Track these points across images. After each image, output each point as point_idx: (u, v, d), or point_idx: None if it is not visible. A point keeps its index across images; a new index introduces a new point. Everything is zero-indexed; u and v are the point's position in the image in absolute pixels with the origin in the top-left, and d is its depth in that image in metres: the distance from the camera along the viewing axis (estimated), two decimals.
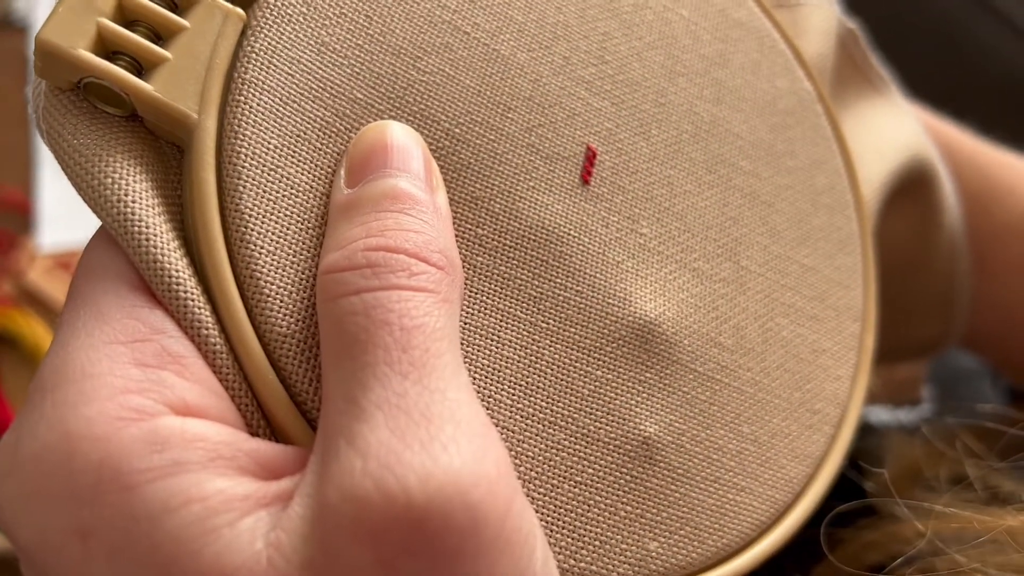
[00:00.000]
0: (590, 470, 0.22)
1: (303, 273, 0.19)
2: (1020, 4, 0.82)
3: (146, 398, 0.17)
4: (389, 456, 0.16)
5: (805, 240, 0.27)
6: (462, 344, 0.21)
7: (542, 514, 0.21)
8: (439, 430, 0.16)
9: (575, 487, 0.21)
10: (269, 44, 0.20)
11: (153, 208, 0.19)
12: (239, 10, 0.20)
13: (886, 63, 0.35)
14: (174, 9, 0.20)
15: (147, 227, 0.18)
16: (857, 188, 0.29)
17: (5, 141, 0.56)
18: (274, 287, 0.19)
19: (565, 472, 0.21)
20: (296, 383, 0.19)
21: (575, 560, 0.21)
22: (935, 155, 0.34)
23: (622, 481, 0.22)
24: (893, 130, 0.32)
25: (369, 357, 0.17)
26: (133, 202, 0.19)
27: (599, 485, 0.22)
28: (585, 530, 0.21)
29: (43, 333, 0.48)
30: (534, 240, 0.22)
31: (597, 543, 0.21)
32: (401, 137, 0.20)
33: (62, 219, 0.53)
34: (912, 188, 0.33)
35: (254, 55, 0.20)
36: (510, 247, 0.22)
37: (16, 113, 0.57)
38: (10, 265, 0.51)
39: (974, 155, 0.37)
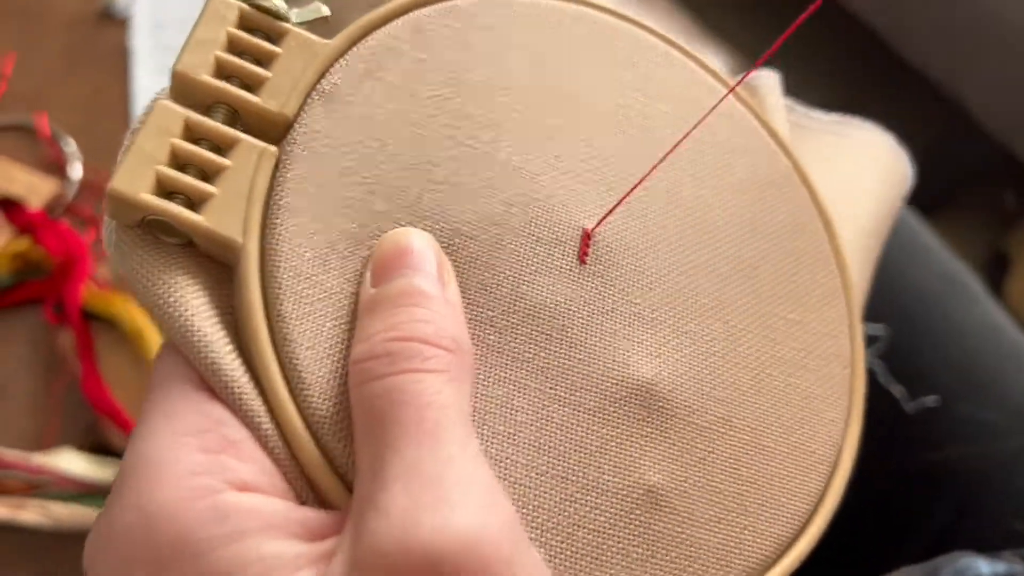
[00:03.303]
0: (601, 518, 0.24)
1: (339, 363, 0.23)
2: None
3: (211, 479, 0.21)
4: (407, 517, 0.19)
5: (790, 297, 0.30)
6: (479, 413, 0.24)
7: (560, 559, 0.23)
8: (449, 492, 0.19)
9: (589, 534, 0.24)
10: (297, 174, 0.24)
11: (209, 320, 0.23)
12: (272, 147, 0.24)
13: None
14: (218, 150, 0.24)
15: (205, 336, 0.22)
16: (836, 245, 0.32)
17: (103, 132, 0.59)
18: (313, 377, 0.23)
19: (579, 521, 0.24)
20: (337, 456, 0.22)
21: None
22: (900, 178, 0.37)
23: (632, 526, 0.25)
24: (852, 181, 0.36)
25: (389, 434, 0.20)
26: (193, 315, 0.22)
27: (611, 531, 0.24)
28: (601, 572, 0.24)
29: (139, 315, 0.51)
30: (538, 317, 0.25)
31: None
32: (416, 241, 0.24)
33: None
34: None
35: (286, 184, 0.24)
36: (517, 325, 0.25)
37: (114, 105, 0.60)
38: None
39: None
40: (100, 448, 0.48)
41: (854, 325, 0.31)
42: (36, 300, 0.52)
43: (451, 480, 0.20)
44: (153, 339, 0.50)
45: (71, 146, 0.58)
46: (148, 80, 0.61)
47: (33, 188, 0.56)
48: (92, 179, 0.57)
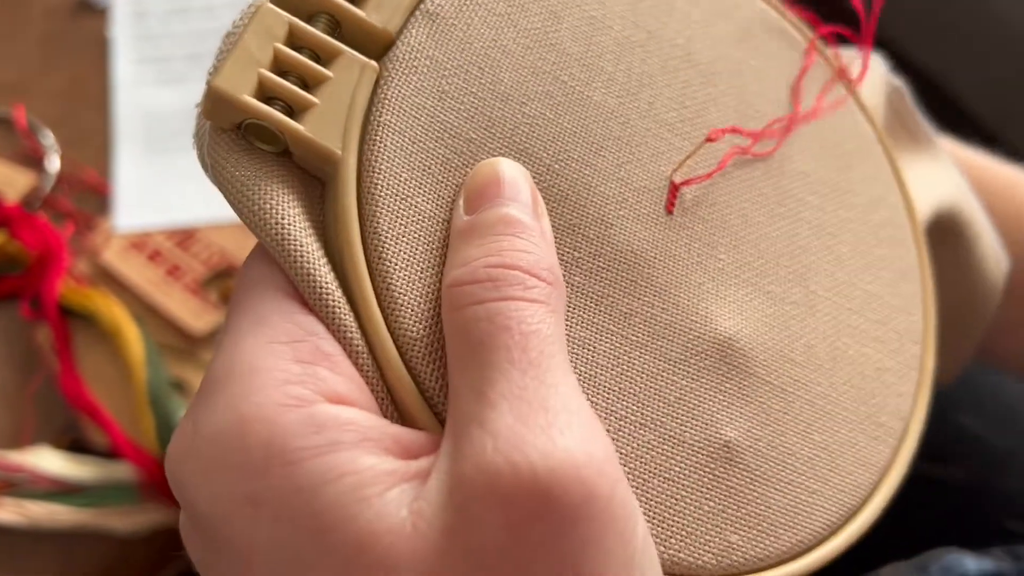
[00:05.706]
0: (677, 468, 0.24)
1: (429, 287, 0.23)
2: None
3: (305, 388, 0.20)
4: (515, 437, 0.19)
5: (868, 268, 0.30)
6: None
7: None
8: (555, 417, 0.19)
9: (664, 483, 0.24)
10: (398, 92, 0.24)
11: (305, 229, 0.22)
12: (373, 62, 0.24)
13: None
14: (318, 60, 0.23)
15: (301, 245, 0.22)
16: (915, 223, 0.31)
17: (84, 124, 0.58)
18: (406, 298, 0.22)
19: (655, 469, 0.24)
20: (425, 379, 0.22)
21: (664, 548, 0.24)
22: (974, 207, 0.36)
23: (706, 479, 0.25)
24: (929, 184, 0.35)
25: (493, 356, 0.20)
26: (289, 224, 0.22)
27: (685, 482, 0.24)
28: (673, 521, 0.24)
29: (119, 311, 0.49)
30: (624, 262, 0.25)
31: (684, 533, 0.24)
32: (511, 171, 0.23)
33: (136, 202, 0.55)
34: (944, 237, 0.36)
35: (387, 101, 0.23)
36: (603, 268, 0.25)
37: (95, 96, 0.59)
38: (87, 245, 0.53)
39: (1009, 184, 0.38)
40: (77, 446, 0.47)
41: (928, 304, 0.31)
42: (12, 295, 0.51)
43: (557, 407, 0.19)
44: (131, 335, 0.49)
45: (48, 138, 0.56)
46: (128, 71, 0.60)
47: (9, 181, 0.54)
48: (70, 172, 0.56)
